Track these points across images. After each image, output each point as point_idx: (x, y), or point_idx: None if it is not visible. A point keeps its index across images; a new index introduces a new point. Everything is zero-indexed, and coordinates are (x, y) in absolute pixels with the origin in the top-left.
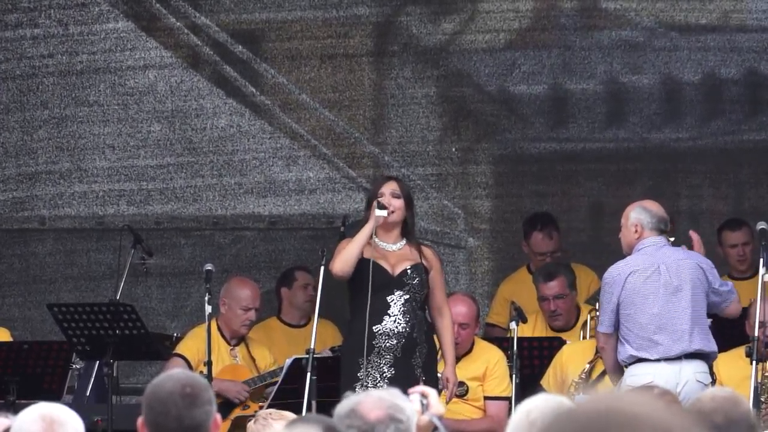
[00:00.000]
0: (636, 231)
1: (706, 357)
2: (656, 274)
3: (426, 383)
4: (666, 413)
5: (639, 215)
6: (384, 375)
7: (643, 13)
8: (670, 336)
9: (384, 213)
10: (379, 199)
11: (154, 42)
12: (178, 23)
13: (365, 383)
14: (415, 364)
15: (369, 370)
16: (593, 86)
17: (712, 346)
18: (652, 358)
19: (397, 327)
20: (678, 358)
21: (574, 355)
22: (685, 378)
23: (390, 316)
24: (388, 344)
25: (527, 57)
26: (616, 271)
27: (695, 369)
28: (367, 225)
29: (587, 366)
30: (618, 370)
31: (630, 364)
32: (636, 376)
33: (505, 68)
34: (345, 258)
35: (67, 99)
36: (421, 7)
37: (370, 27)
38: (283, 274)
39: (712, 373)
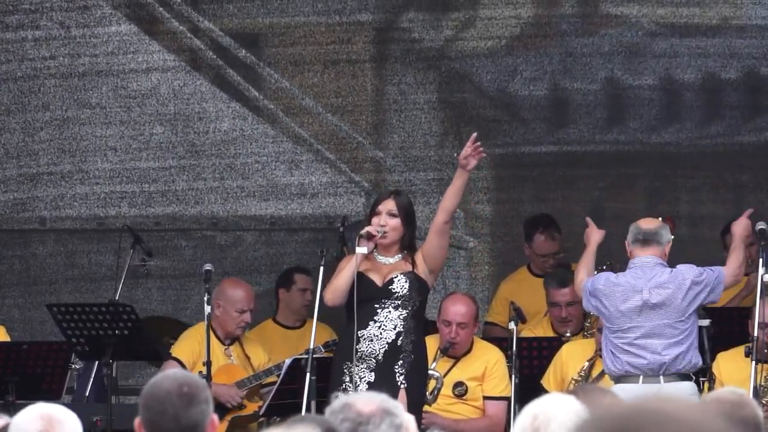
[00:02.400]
0: (628, 250)
1: (688, 375)
2: (637, 297)
3: (407, 391)
4: (700, 413)
5: (628, 235)
6: (363, 379)
7: (643, 19)
8: (645, 358)
9: (363, 250)
10: (367, 228)
11: (156, 45)
12: (181, 27)
13: (347, 387)
14: (397, 371)
15: (352, 374)
16: (594, 91)
17: (691, 363)
18: (633, 372)
19: (381, 332)
20: (656, 377)
21: (574, 353)
22: None
23: (376, 322)
24: (370, 349)
25: (529, 63)
26: (604, 281)
27: (675, 390)
28: (352, 261)
29: (586, 364)
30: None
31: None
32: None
33: (507, 74)
34: (334, 290)
35: (69, 101)
36: (423, 14)
37: (373, 33)
38: (283, 274)
39: (709, 380)
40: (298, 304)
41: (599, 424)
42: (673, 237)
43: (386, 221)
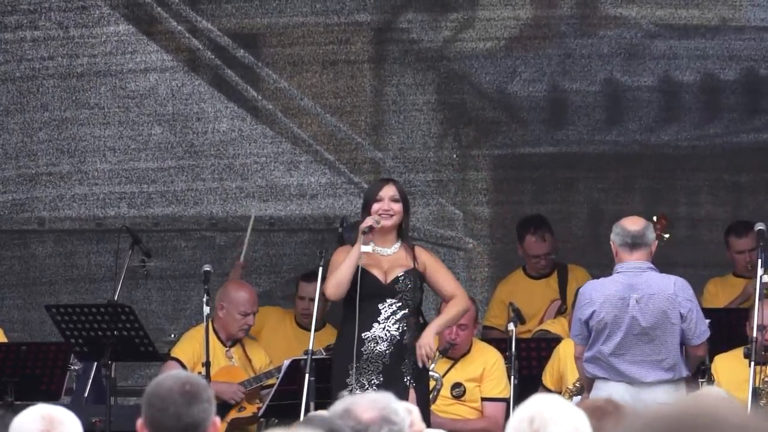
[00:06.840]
0: (613, 249)
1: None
2: (624, 308)
3: (416, 390)
4: (749, 415)
5: (612, 233)
6: (372, 382)
7: (642, 20)
8: (628, 367)
9: (369, 249)
10: (367, 222)
11: (154, 45)
12: (179, 27)
13: (354, 390)
14: (404, 371)
15: (358, 376)
16: (593, 92)
17: (676, 374)
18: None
19: (386, 334)
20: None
21: (571, 350)
22: (644, 401)
23: (380, 323)
24: (376, 351)
25: (527, 64)
26: (589, 293)
27: (657, 394)
28: (353, 253)
29: None
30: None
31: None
32: (596, 390)
33: (506, 75)
34: (336, 283)
35: (68, 101)
36: (421, 14)
37: (371, 33)
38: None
39: (708, 382)
40: (298, 311)
41: (651, 426)
42: (668, 235)
43: (390, 206)
